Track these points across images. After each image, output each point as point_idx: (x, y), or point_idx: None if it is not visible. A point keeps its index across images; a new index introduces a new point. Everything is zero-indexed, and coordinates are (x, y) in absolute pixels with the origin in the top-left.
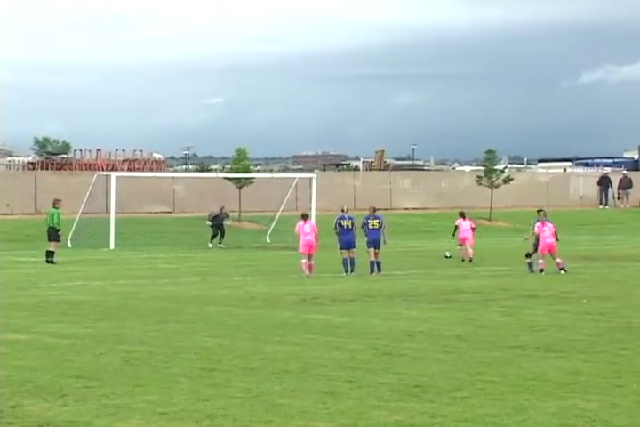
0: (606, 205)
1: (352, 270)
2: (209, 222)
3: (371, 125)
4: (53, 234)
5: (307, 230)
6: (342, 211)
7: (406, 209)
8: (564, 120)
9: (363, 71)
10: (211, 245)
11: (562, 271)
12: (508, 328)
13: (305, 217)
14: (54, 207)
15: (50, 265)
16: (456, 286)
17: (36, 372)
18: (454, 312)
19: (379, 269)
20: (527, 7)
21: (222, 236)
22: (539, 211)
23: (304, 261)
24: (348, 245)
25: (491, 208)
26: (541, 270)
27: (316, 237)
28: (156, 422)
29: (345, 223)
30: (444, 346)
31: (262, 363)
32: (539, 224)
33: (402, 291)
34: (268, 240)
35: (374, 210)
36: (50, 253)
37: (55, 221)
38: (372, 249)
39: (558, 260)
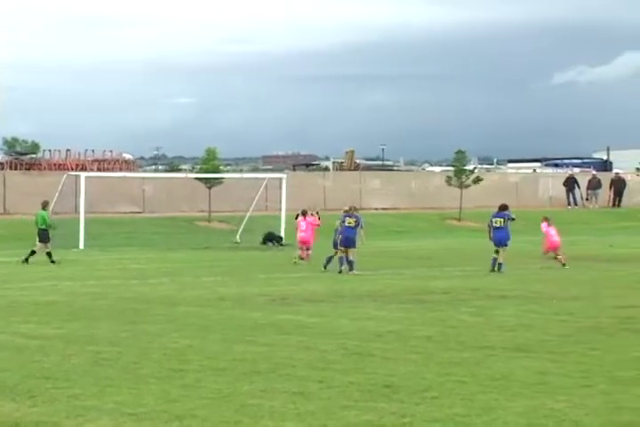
0: (575, 205)
1: (351, 269)
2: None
3: (341, 125)
4: (44, 235)
5: (302, 227)
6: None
7: (376, 209)
8: (534, 121)
9: (333, 71)
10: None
11: (565, 266)
12: (478, 328)
13: (304, 213)
14: (43, 209)
15: (24, 265)
16: (426, 286)
17: (5, 372)
18: (424, 312)
19: (350, 268)
20: (499, 7)
21: None
22: (545, 218)
23: (299, 251)
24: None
25: (460, 208)
26: (563, 264)
27: (312, 233)
28: (125, 422)
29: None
30: (413, 346)
31: (232, 363)
32: (544, 225)
33: (372, 291)
34: (238, 240)
35: (354, 209)
36: (49, 254)
37: (47, 223)
38: (345, 248)
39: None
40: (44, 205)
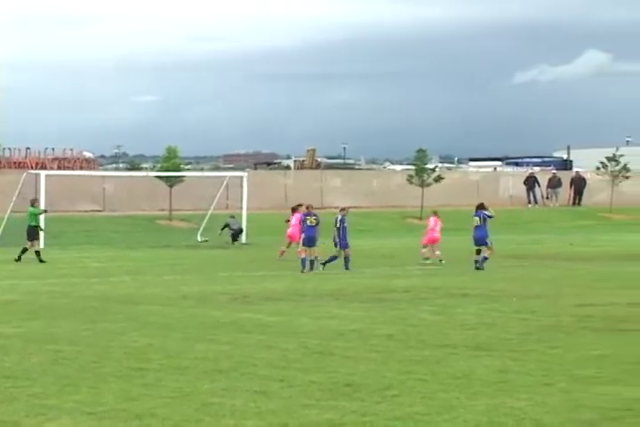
0: (535, 203)
1: (312, 268)
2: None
3: (303, 124)
4: (32, 232)
5: (292, 222)
6: (341, 210)
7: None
8: (496, 119)
9: (298, 69)
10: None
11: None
12: (439, 327)
13: (293, 210)
14: (32, 206)
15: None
16: (387, 284)
17: None
18: (385, 311)
19: (311, 268)
20: (462, 6)
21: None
22: (435, 212)
23: (283, 248)
24: (344, 245)
25: (422, 207)
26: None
27: (299, 230)
28: (85, 421)
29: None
30: (374, 345)
31: (193, 362)
32: (433, 219)
33: (333, 290)
34: (198, 239)
35: (312, 208)
36: (37, 253)
37: (38, 214)
38: (307, 247)
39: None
40: (33, 203)
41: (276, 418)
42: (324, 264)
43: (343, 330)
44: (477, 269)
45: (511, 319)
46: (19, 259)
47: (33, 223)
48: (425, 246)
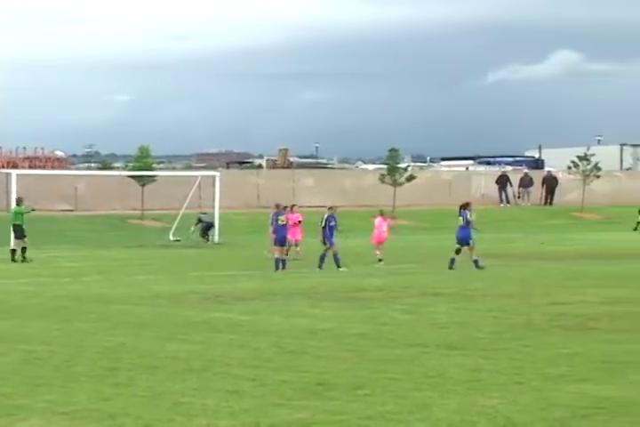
0: (507, 203)
1: (284, 267)
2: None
3: (275, 124)
4: (17, 231)
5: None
6: (329, 208)
7: (310, 207)
8: (468, 119)
9: (270, 69)
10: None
11: (380, 261)
12: (411, 326)
13: (283, 208)
14: (17, 205)
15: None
16: (359, 283)
17: None
18: (357, 310)
19: (283, 267)
20: (434, 6)
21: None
22: (381, 212)
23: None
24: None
25: (394, 206)
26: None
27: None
28: (56, 422)
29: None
30: (346, 344)
31: (165, 361)
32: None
33: (305, 289)
34: (171, 238)
35: (283, 207)
36: (24, 250)
37: (23, 213)
38: (279, 247)
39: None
40: (18, 202)
41: (248, 417)
42: (338, 266)
43: (315, 329)
44: (478, 268)
45: (483, 318)
46: (24, 259)
47: (18, 222)
48: (377, 247)
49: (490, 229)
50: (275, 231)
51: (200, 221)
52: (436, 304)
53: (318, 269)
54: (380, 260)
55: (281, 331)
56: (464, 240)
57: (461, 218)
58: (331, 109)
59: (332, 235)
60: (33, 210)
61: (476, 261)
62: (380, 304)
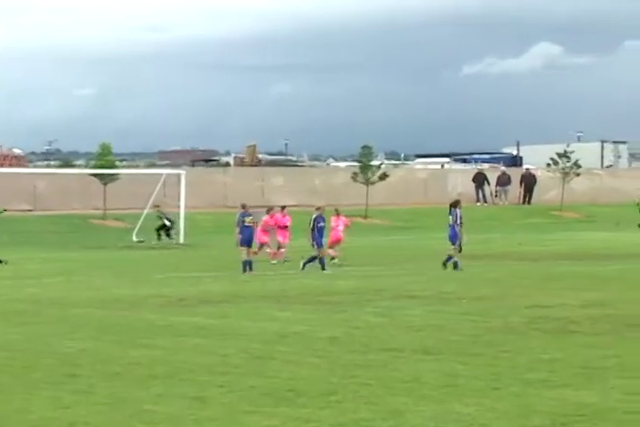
0: (485, 202)
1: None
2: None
3: (243, 119)
4: None
5: (270, 223)
6: (318, 209)
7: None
8: (443, 114)
9: (237, 61)
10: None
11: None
12: (384, 330)
13: (268, 210)
14: None
15: None
16: (330, 286)
17: None
18: (328, 314)
19: (250, 269)
20: None
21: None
22: (336, 211)
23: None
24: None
25: (367, 205)
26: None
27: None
28: None
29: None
30: (317, 349)
31: (127, 368)
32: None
33: (274, 292)
34: (134, 239)
35: (248, 207)
36: None
37: None
38: (246, 248)
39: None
40: None
41: (214, 425)
42: (304, 265)
43: (285, 333)
44: (444, 266)
45: (460, 321)
46: None
47: None
48: (330, 247)
49: (467, 229)
50: (240, 232)
51: (166, 218)
52: (410, 307)
53: (322, 270)
54: (332, 258)
55: (249, 335)
56: (450, 239)
57: (451, 217)
58: (301, 104)
59: (321, 236)
60: (5, 210)
61: (448, 259)
62: (352, 307)
